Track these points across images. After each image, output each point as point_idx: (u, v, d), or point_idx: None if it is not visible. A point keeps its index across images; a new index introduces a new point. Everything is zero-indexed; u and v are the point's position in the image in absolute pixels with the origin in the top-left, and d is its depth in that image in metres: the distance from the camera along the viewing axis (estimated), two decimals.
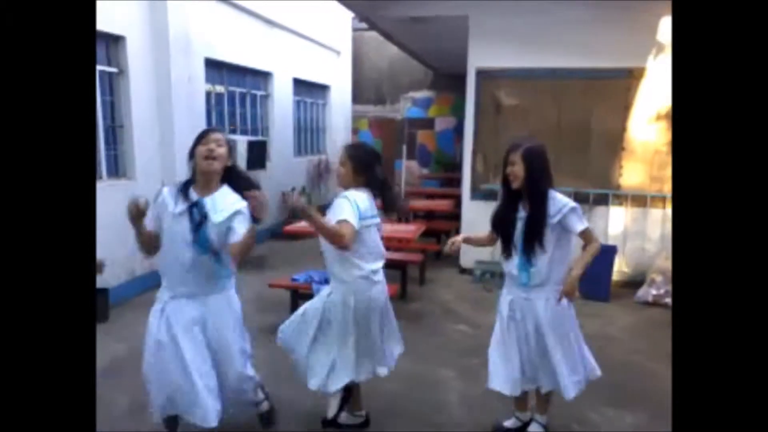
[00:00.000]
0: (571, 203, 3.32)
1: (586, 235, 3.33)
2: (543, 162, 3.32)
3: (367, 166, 3.39)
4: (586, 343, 3.61)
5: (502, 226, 3.48)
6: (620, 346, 5.42)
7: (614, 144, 7.25)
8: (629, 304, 6.69)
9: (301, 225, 7.24)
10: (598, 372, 3.60)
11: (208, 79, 8.35)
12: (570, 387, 3.44)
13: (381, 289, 3.49)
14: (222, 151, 3.13)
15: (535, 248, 3.31)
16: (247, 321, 3.48)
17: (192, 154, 3.14)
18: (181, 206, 3.11)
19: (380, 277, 3.50)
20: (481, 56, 7.53)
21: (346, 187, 3.39)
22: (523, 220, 3.36)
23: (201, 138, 3.15)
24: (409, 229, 6.92)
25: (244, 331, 3.41)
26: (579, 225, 3.30)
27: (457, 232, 9.07)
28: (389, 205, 3.51)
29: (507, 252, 3.46)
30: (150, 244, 3.20)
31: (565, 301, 3.36)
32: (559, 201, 3.31)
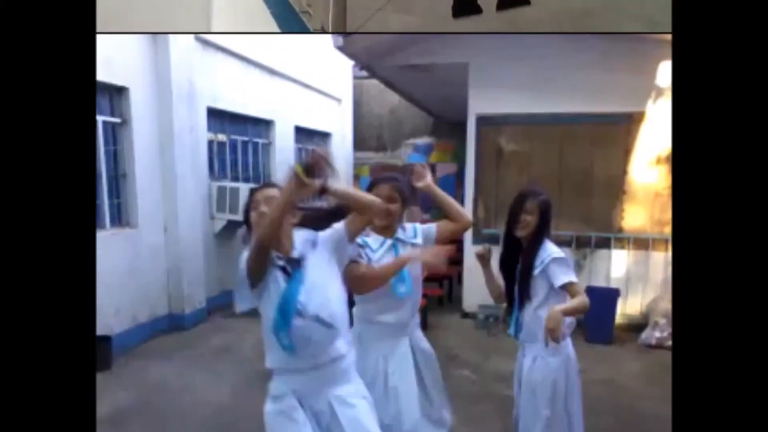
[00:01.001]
0: (557, 253, 2.96)
1: (569, 289, 2.88)
2: (551, 215, 3.11)
3: None
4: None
5: (503, 277, 3.24)
6: (625, 391, 5.33)
7: (615, 188, 7.27)
8: (633, 348, 6.61)
9: None
10: None
11: (210, 128, 8.42)
12: None
13: None
14: None
15: (524, 299, 3.05)
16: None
17: (248, 223, 2.56)
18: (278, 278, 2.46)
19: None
20: (481, 103, 7.63)
21: None
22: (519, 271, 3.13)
23: (249, 203, 2.56)
24: None
25: None
26: (561, 278, 2.88)
27: (460, 276, 9.04)
28: None
29: (509, 305, 3.23)
30: None
31: (561, 370, 2.99)
32: (543, 251, 2.97)
